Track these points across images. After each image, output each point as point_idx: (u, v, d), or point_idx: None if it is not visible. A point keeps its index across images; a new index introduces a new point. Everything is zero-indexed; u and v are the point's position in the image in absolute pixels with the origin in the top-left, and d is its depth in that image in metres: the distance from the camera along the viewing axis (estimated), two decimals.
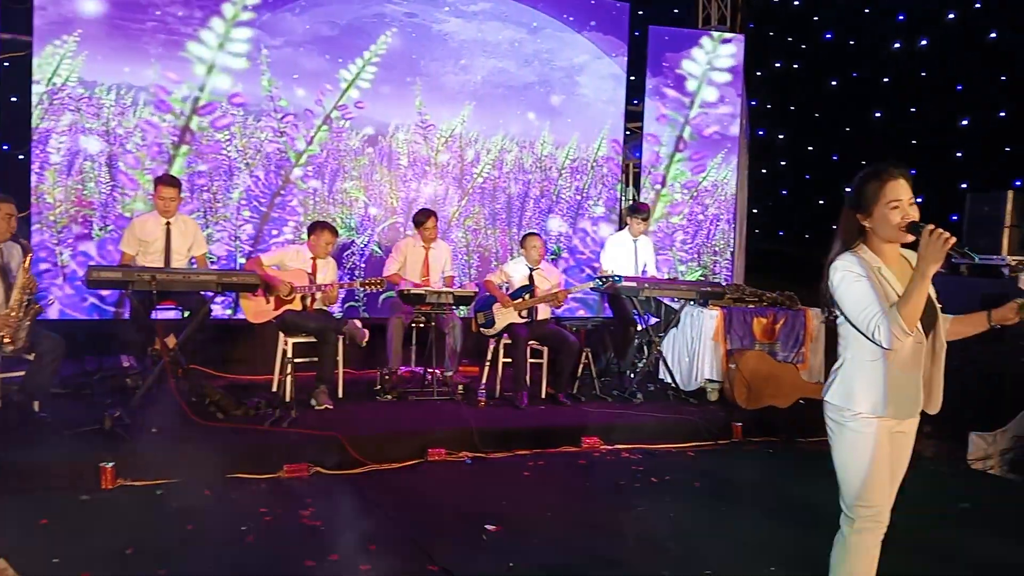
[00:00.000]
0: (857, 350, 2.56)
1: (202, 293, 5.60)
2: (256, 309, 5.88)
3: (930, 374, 2.59)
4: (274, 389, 5.91)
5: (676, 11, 9.45)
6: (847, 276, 2.51)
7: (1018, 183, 6.36)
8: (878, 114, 7.75)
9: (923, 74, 7.24)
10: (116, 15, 6.74)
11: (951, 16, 6.93)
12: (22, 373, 4.84)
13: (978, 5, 6.73)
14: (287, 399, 5.56)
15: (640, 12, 9.00)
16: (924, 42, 7.23)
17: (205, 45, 7.07)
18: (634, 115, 9.00)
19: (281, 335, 5.94)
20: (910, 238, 2.46)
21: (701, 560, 3.61)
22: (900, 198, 2.49)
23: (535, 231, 6.71)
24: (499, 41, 8.21)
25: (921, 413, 2.64)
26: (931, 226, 2.36)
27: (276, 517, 3.89)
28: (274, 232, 7.33)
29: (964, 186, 6.35)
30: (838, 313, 2.59)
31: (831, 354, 6.98)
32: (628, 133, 9.06)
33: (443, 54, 7.96)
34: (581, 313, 8.59)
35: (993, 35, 6.61)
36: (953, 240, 2.32)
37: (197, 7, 7.01)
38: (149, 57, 6.86)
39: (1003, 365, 5.53)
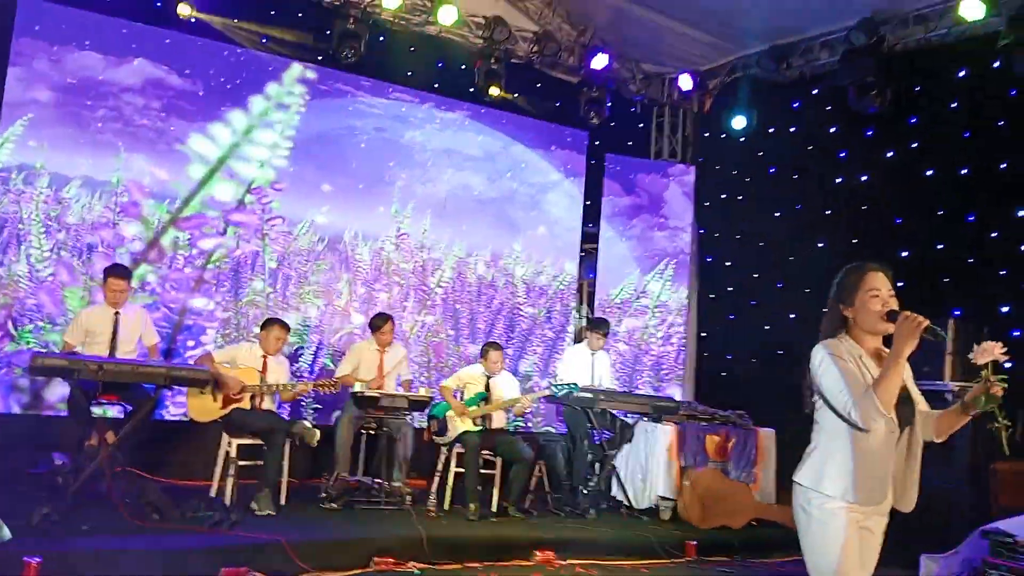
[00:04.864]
0: (831, 434, 2.59)
1: (147, 388, 5.42)
2: (202, 407, 5.70)
3: (904, 470, 2.61)
4: (212, 494, 5.64)
5: (630, 143, 9.89)
6: (828, 357, 2.58)
7: (957, 313, 6.62)
8: (821, 244, 8.07)
9: (864, 208, 7.63)
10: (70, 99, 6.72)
11: (890, 155, 7.39)
12: None
13: (914, 145, 7.21)
14: (227, 502, 5.34)
15: (597, 142, 9.41)
16: (864, 178, 7.66)
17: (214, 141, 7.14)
18: (590, 237, 9.26)
19: (224, 436, 5.73)
20: (891, 327, 2.53)
21: None
22: (879, 288, 2.60)
23: (496, 342, 6.72)
24: (467, 155, 8.48)
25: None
26: (907, 312, 2.46)
27: None
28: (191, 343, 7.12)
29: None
30: (816, 399, 2.63)
31: (782, 475, 7.00)
32: (583, 254, 9.29)
33: (408, 164, 8.14)
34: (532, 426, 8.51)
35: (929, 172, 7.06)
36: (926, 323, 2.41)
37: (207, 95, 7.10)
38: (124, 147, 6.84)
39: (950, 488, 5.60)
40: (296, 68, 7.59)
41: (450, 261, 8.31)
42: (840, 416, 2.54)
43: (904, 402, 2.58)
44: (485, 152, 8.61)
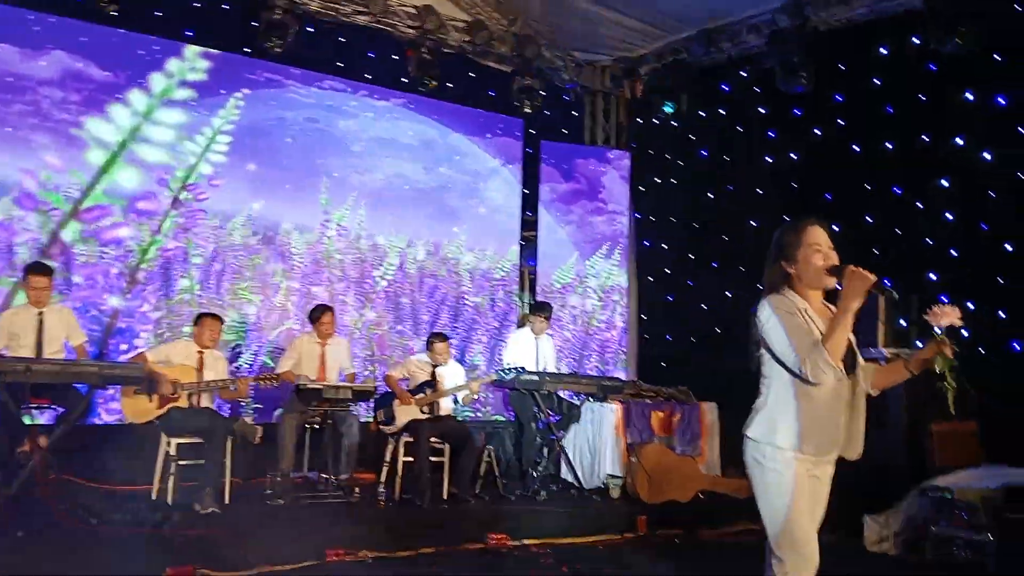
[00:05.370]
0: (779, 387, 2.61)
1: (78, 389, 5.23)
2: (137, 408, 5.52)
3: (849, 419, 2.65)
4: (153, 497, 5.47)
5: (565, 130, 9.92)
6: (776, 312, 2.58)
7: (888, 282, 6.80)
8: (754, 223, 8.21)
9: (794, 186, 7.79)
10: None
11: (817, 132, 7.57)
12: None
13: (840, 122, 7.39)
14: (169, 502, 5.19)
15: (532, 130, 9.43)
16: (794, 156, 7.83)
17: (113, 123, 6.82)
18: (529, 224, 9.27)
19: (163, 437, 5.56)
20: (833, 282, 2.56)
21: None
22: (820, 243, 2.61)
23: (443, 332, 6.69)
24: (403, 144, 8.38)
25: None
26: (852, 266, 2.48)
27: None
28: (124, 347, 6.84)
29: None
30: (761, 353, 2.65)
31: (726, 448, 7.12)
32: (524, 243, 9.29)
33: (343, 154, 8.01)
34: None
35: (856, 148, 7.25)
36: (874, 278, 2.44)
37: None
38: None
39: (889, 449, 5.76)
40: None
41: (392, 253, 8.21)
42: (789, 370, 2.56)
43: (848, 353, 2.62)
44: (421, 141, 8.54)
